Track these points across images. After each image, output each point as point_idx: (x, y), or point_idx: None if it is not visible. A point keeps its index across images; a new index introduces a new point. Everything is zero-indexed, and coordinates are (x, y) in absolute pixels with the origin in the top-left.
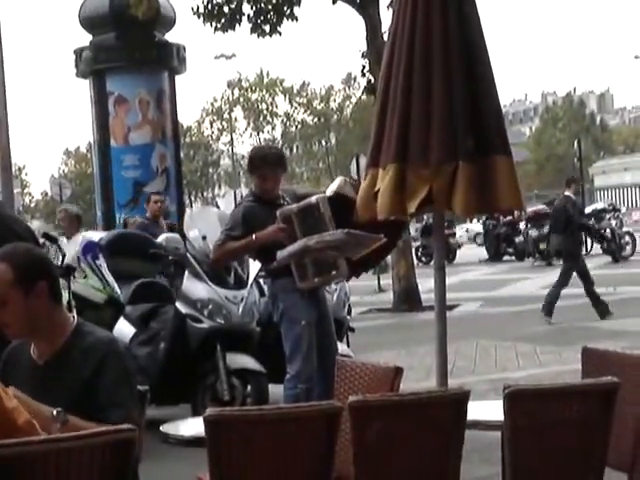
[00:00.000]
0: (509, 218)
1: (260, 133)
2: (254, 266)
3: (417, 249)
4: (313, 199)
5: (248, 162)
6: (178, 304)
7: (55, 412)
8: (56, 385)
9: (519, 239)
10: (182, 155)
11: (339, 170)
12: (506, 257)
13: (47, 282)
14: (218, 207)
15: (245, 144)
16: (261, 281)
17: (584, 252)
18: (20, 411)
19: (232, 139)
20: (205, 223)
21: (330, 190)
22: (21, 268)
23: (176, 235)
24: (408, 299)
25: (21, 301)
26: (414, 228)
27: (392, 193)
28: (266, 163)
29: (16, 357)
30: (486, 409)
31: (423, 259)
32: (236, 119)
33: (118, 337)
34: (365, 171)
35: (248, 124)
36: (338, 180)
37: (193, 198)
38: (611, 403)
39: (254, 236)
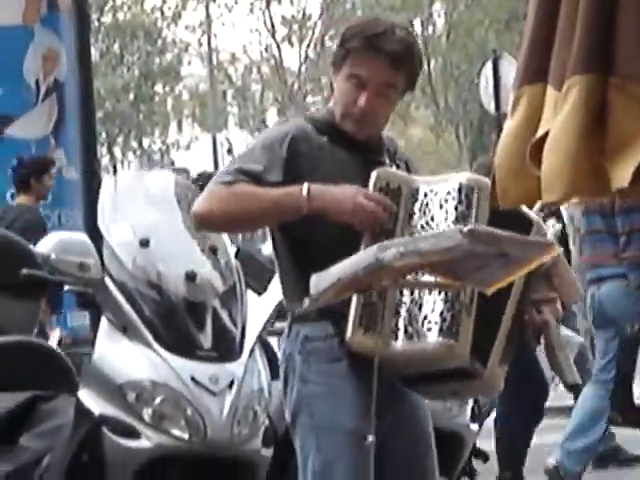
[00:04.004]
0: None
1: (271, 3)
2: (257, 310)
3: None
4: (461, 179)
5: (338, 44)
6: (84, 393)
7: None
8: None
9: None
10: (96, 55)
11: (453, 85)
12: None
13: None
14: (186, 171)
15: (239, 29)
16: (273, 341)
17: None
18: None
19: (209, 17)
20: (147, 209)
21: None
22: None
23: (79, 236)
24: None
25: None
26: None
27: (579, 140)
28: (372, 48)
29: None
30: None
31: None
32: None
33: None
34: (514, 94)
35: None
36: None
37: (120, 152)
38: None
39: (305, 189)
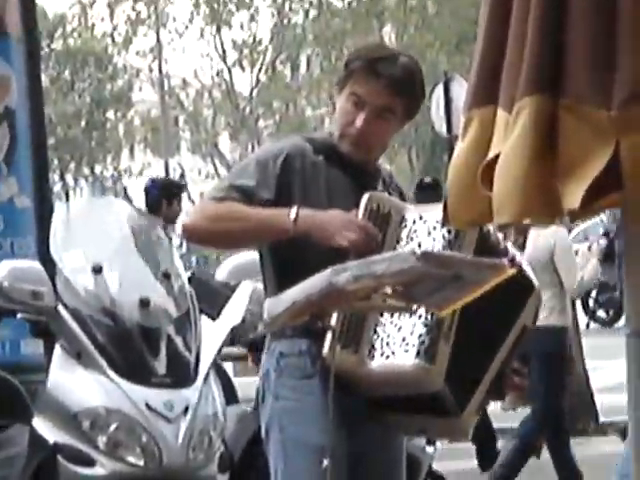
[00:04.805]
0: None
1: (222, 28)
2: (211, 335)
3: (587, 295)
4: None
5: (344, 65)
6: (38, 421)
7: None
8: None
9: None
10: (47, 81)
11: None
12: None
13: None
14: (129, 198)
15: (190, 54)
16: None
17: None
18: None
19: (159, 42)
20: (100, 236)
21: None
22: None
23: (32, 264)
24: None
25: None
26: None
27: (531, 162)
28: (373, 70)
29: None
30: None
31: (601, 314)
32: None
33: None
34: (464, 117)
35: (196, 12)
36: None
37: (72, 178)
38: None
39: (293, 212)
